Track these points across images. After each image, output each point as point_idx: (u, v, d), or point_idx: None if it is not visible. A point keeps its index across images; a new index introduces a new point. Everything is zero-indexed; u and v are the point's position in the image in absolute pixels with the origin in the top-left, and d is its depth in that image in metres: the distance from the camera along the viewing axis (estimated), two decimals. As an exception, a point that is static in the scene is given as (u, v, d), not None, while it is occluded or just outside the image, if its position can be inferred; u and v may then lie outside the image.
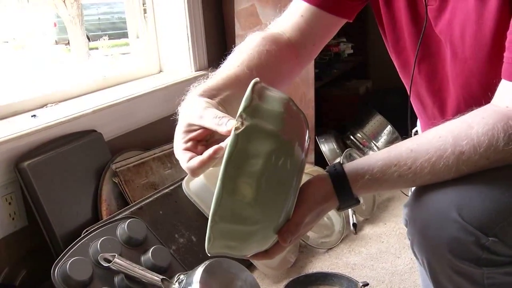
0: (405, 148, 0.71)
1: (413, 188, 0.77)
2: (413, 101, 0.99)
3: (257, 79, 0.68)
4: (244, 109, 0.61)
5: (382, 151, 0.73)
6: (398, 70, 0.96)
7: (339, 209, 0.74)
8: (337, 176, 0.71)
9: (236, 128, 0.60)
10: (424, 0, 0.82)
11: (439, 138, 0.69)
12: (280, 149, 0.62)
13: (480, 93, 0.73)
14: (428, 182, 0.71)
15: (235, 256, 0.71)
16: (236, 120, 0.60)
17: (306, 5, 0.92)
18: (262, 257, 0.71)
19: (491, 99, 0.72)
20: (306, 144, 0.69)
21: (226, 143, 0.62)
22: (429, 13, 0.82)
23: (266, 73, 0.84)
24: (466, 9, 0.76)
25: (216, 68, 0.87)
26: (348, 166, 0.72)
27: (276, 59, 0.89)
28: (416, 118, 1.04)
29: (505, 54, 0.71)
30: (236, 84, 0.79)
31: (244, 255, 0.70)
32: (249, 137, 0.60)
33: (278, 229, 0.66)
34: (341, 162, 0.74)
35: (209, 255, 0.68)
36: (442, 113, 0.89)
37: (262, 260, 0.72)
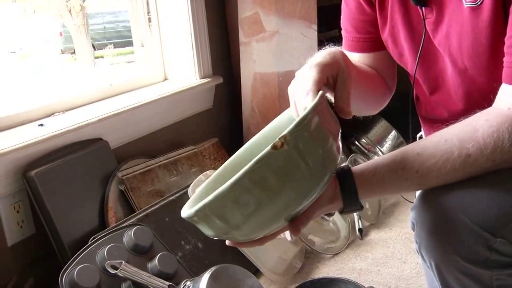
0: (411, 152, 0.71)
1: (418, 192, 0.77)
2: (418, 108, 1.01)
3: (322, 93, 0.68)
4: (291, 133, 0.60)
5: (388, 155, 0.73)
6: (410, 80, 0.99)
7: (342, 212, 0.75)
8: (344, 179, 0.73)
9: (274, 147, 0.59)
10: (421, 14, 0.83)
11: (445, 141, 0.69)
12: (303, 182, 0.62)
13: (482, 102, 0.74)
14: (435, 185, 0.71)
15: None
16: (279, 139, 0.59)
17: (354, 54, 1.00)
18: (253, 244, 0.71)
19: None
20: (331, 174, 0.69)
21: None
22: (427, 26, 0.84)
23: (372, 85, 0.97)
24: (462, 20, 0.77)
25: (220, 75, 0.90)
26: (355, 170, 0.73)
27: (373, 76, 0.98)
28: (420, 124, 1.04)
29: (504, 59, 0.72)
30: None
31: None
32: (282, 161, 0.60)
33: (288, 219, 0.67)
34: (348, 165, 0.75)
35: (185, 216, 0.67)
36: (445, 121, 0.90)
37: (252, 247, 0.73)
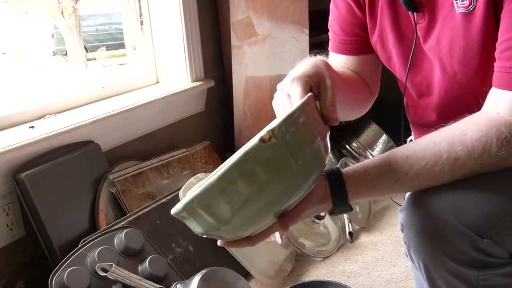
0: (401, 154, 0.72)
1: (407, 193, 0.78)
2: (407, 112, 1.02)
3: (311, 94, 0.69)
4: (279, 127, 0.60)
5: (378, 157, 0.74)
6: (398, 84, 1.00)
7: (331, 213, 0.75)
8: (334, 180, 0.73)
9: (262, 140, 0.59)
10: (413, 20, 0.84)
11: (434, 144, 0.71)
12: (290, 177, 0.62)
13: (471, 106, 0.75)
14: (424, 187, 0.73)
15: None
16: (267, 132, 0.60)
17: (340, 56, 1.00)
18: (244, 243, 0.72)
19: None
20: (320, 173, 0.70)
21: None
22: (418, 31, 0.85)
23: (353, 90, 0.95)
24: (453, 25, 0.79)
25: (212, 78, 0.90)
26: (346, 171, 0.74)
27: (356, 81, 0.98)
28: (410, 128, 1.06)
29: (495, 64, 0.73)
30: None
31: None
32: (269, 154, 0.60)
33: (277, 215, 0.67)
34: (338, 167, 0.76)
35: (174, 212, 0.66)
36: (434, 125, 0.91)
37: (243, 247, 0.73)
